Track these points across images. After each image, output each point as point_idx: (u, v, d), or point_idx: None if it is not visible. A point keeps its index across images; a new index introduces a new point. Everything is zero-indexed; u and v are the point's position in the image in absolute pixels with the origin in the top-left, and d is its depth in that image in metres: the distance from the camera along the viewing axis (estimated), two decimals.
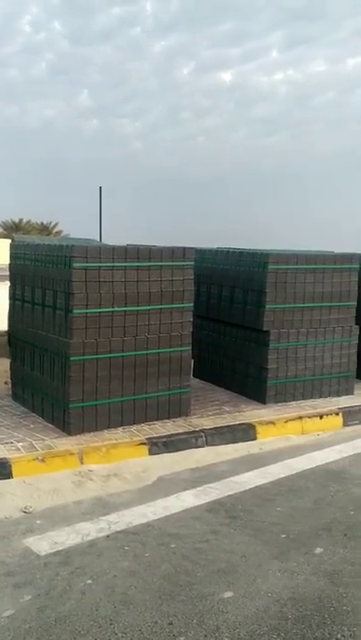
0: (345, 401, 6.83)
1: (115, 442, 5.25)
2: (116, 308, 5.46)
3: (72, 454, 4.97)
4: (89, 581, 3.33)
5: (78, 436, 5.33)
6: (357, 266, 6.95)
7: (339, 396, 6.98)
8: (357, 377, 7.27)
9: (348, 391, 7.08)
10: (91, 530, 3.94)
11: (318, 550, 3.73)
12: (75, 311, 5.28)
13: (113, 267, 5.40)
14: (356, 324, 7.05)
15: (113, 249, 5.48)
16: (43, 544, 3.74)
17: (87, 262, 5.28)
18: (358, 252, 7.40)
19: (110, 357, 5.47)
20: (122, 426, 5.61)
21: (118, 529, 3.96)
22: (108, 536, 3.86)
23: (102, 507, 4.31)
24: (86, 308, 5.32)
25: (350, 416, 6.47)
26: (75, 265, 5.22)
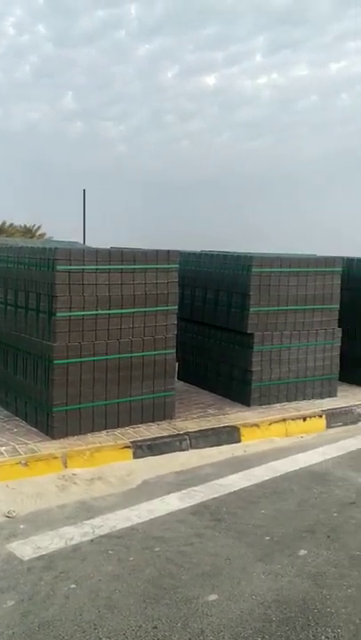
0: (328, 403, 6.87)
1: (99, 445, 5.22)
2: (100, 311, 5.44)
3: (56, 458, 4.94)
4: (73, 586, 3.31)
5: (62, 440, 5.30)
6: (340, 269, 7.00)
7: (322, 398, 7.02)
8: (340, 379, 7.31)
9: (332, 393, 7.12)
10: (75, 534, 3.92)
11: (302, 552, 3.75)
12: (58, 314, 5.25)
13: (97, 269, 5.38)
14: (339, 326, 7.10)
15: (97, 251, 5.46)
16: (26, 549, 3.71)
17: (71, 265, 5.26)
18: (343, 255, 7.48)
19: (94, 360, 5.45)
20: (106, 429, 5.59)
21: (102, 533, 3.94)
22: (92, 540, 3.85)
23: (86, 511, 4.28)
24: (70, 311, 5.30)
25: (333, 418, 6.51)
26: (58, 268, 5.20)
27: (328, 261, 6.93)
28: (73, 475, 4.85)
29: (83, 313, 5.36)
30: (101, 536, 3.90)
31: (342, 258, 7.27)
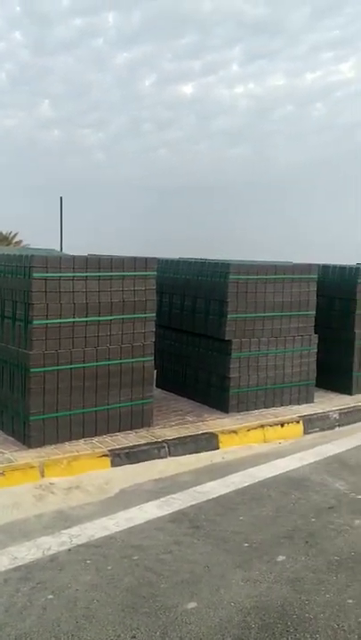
0: (305, 409, 6.91)
1: (76, 454, 5.18)
2: (77, 319, 5.42)
3: (32, 467, 4.89)
4: (50, 596, 3.27)
5: (39, 449, 5.25)
6: (315, 276, 7.07)
7: (299, 404, 7.07)
8: (317, 385, 7.37)
9: (309, 399, 7.17)
10: (52, 544, 3.87)
11: (281, 558, 3.76)
12: (35, 322, 5.21)
13: (74, 277, 5.36)
14: (315, 333, 7.16)
15: (74, 259, 5.44)
16: (2, 559, 3.66)
17: (47, 272, 5.22)
18: (318, 262, 7.55)
19: (71, 368, 5.42)
20: (83, 438, 5.55)
21: (80, 542, 3.91)
22: (69, 550, 3.81)
23: (64, 520, 4.24)
24: (46, 319, 5.26)
25: (311, 424, 6.56)
26: (34, 275, 5.17)
27: (304, 268, 6.99)
28: (50, 484, 4.80)
29: (60, 321, 5.33)
30: (79, 545, 3.87)
31: (318, 265, 7.35)
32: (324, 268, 7.73)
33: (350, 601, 3.29)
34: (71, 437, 5.48)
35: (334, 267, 7.78)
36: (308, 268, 7.03)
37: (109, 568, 3.59)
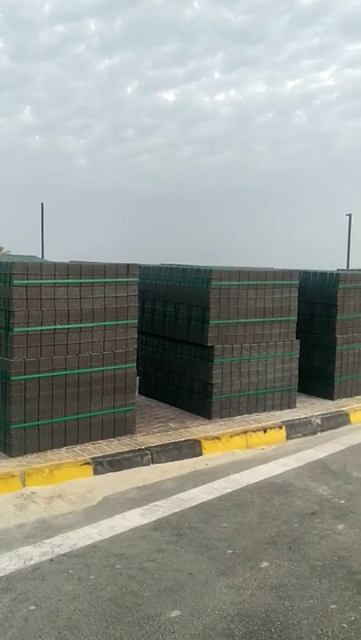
0: (288, 414, 6.93)
1: (58, 462, 5.14)
2: (59, 326, 5.38)
3: (14, 476, 4.83)
4: (32, 607, 3.23)
5: (20, 458, 5.19)
6: (297, 282, 7.11)
7: (282, 409, 7.09)
8: (299, 390, 7.40)
9: (291, 404, 7.20)
10: (34, 554, 3.82)
11: (264, 564, 3.75)
12: (15, 329, 5.16)
13: (55, 283, 5.33)
14: (297, 338, 7.19)
15: (55, 265, 5.41)
16: None
17: (28, 279, 5.18)
18: (300, 267, 7.61)
19: (52, 376, 5.38)
20: (65, 446, 5.50)
21: (62, 552, 3.87)
22: (51, 560, 3.76)
23: (46, 529, 4.19)
24: (27, 326, 5.22)
25: (293, 429, 6.58)
26: (15, 282, 5.12)
27: (285, 274, 7.03)
28: (32, 493, 4.74)
29: (41, 328, 5.29)
30: (61, 555, 3.82)
31: (299, 271, 7.39)
32: (306, 273, 7.78)
33: (334, 606, 3.29)
34: (53, 446, 5.43)
35: (315, 272, 7.83)
36: (289, 273, 7.07)
37: (92, 577, 3.56)
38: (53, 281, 5.32)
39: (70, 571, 3.63)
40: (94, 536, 4.10)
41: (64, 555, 3.83)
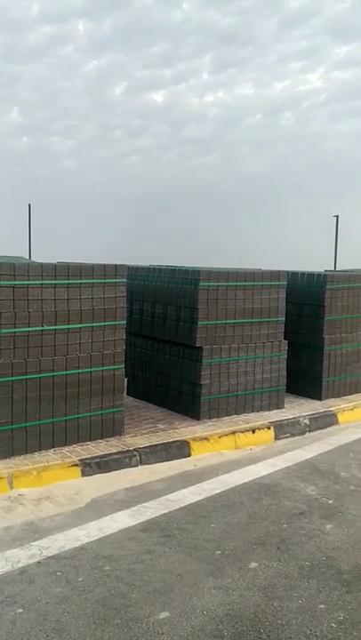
0: (276, 415, 6.95)
1: (46, 464, 5.11)
2: (46, 327, 5.35)
3: (1, 478, 4.79)
4: (19, 610, 3.20)
5: (7, 460, 5.15)
6: (285, 283, 7.13)
7: (270, 409, 7.10)
8: (287, 391, 7.42)
9: (279, 405, 7.21)
10: (21, 556, 3.80)
11: (253, 565, 3.75)
12: (2, 331, 5.13)
13: (42, 284, 5.30)
14: (285, 339, 7.21)
15: (42, 266, 5.38)
16: None
17: (15, 280, 5.15)
18: (288, 269, 7.62)
19: (40, 377, 5.35)
20: (53, 447, 5.47)
21: (50, 554, 3.84)
22: (39, 562, 3.74)
23: (33, 532, 4.17)
24: (14, 327, 5.18)
25: (281, 429, 6.59)
26: (2, 283, 5.09)
27: (273, 275, 7.05)
28: (19, 495, 4.71)
29: (28, 329, 5.25)
30: (49, 557, 3.80)
31: (287, 272, 7.42)
32: (293, 274, 7.80)
33: (322, 606, 3.30)
34: (40, 447, 5.40)
35: (303, 273, 7.86)
36: (277, 274, 7.09)
37: (80, 579, 3.54)
38: (41, 282, 5.29)
39: (58, 573, 3.61)
40: (82, 538, 4.08)
41: (52, 557, 3.80)
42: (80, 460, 5.22)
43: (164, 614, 3.19)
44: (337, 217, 38.53)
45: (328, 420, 7.10)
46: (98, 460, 5.29)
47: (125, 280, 5.88)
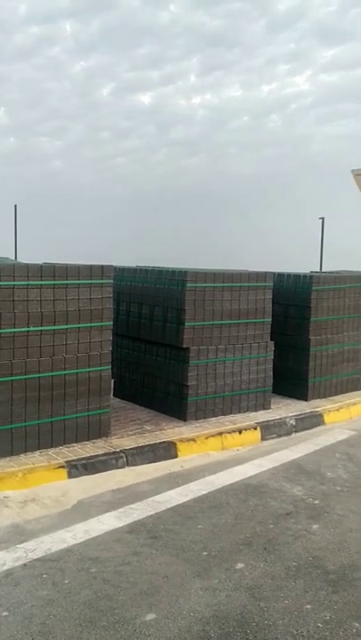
0: (263, 415, 6.96)
1: (32, 466, 5.07)
2: (32, 328, 5.32)
3: None
4: (5, 613, 3.18)
5: None
6: (271, 284, 7.15)
7: (257, 410, 7.11)
8: (274, 391, 7.44)
9: (266, 406, 7.23)
10: (6, 559, 3.77)
11: (240, 565, 3.75)
12: None
13: (28, 285, 5.26)
14: (271, 339, 7.23)
15: (27, 267, 5.34)
16: None
17: (0, 281, 5.11)
18: (274, 270, 7.65)
19: (26, 379, 5.31)
20: (39, 449, 5.44)
21: (36, 556, 3.81)
22: (25, 565, 3.71)
23: (19, 534, 4.14)
24: (0, 328, 5.14)
25: (268, 430, 6.60)
26: None
27: (260, 276, 7.07)
28: (5, 497, 4.67)
29: (14, 330, 5.22)
30: (35, 560, 3.77)
31: (273, 273, 7.44)
32: (280, 276, 7.83)
33: (308, 606, 3.31)
34: (26, 449, 5.37)
35: (289, 275, 7.89)
36: (263, 276, 7.11)
37: (66, 582, 3.52)
38: (26, 282, 5.26)
39: (44, 575, 3.58)
40: (69, 540, 4.06)
41: (38, 559, 3.78)
42: (66, 462, 5.19)
43: (150, 616, 3.18)
44: (323, 219, 38.74)
45: (314, 420, 7.13)
46: (84, 461, 5.27)
47: (112, 281, 5.86)
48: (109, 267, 5.86)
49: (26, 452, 5.35)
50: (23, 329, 5.27)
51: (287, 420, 6.88)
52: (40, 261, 6.52)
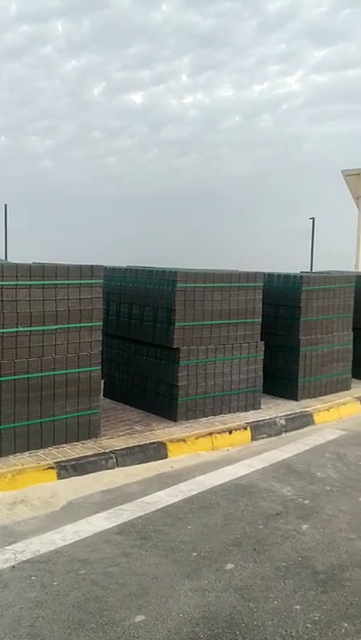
0: (253, 415, 6.97)
1: (21, 467, 5.05)
2: (21, 328, 5.29)
3: None
4: None
5: None
6: (261, 284, 7.16)
7: (247, 410, 7.12)
8: (264, 391, 7.45)
9: (256, 406, 7.24)
10: None
11: (229, 566, 3.75)
12: None
13: (16, 285, 5.23)
14: (262, 340, 7.24)
15: (16, 266, 5.32)
16: None
17: None
18: (263, 270, 7.65)
19: (15, 379, 5.28)
20: (28, 450, 5.41)
21: (25, 558, 3.79)
22: (13, 567, 3.69)
23: (7, 536, 4.11)
24: None
25: (258, 430, 6.61)
26: None
27: (250, 277, 7.07)
28: None
29: (2, 330, 5.19)
30: (24, 561, 3.75)
31: (263, 273, 7.45)
32: (270, 276, 7.84)
33: (298, 607, 3.31)
34: (15, 450, 5.34)
35: (279, 275, 7.90)
36: (253, 276, 7.11)
37: (55, 584, 3.50)
38: (15, 282, 5.23)
39: (33, 577, 3.56)
40: (58, 541, 4.04)
41: (27, 561, 3.76)
42: (56, 463, 5.17)
43: (139, 617, 3.17)
44: (313, 219, 38.81)
45: (304, 420, 7.14)
46: (74, 462, 5.25)
47: (102, 281, 5.84)
48: (99, 267, 5.84)
49: (15, 452, 5.32)
50: (12, 329, 5.24)
51: (277, 419, 6.89)
52: (30, 261, 6.49)
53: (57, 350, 5.54)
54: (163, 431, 6.24)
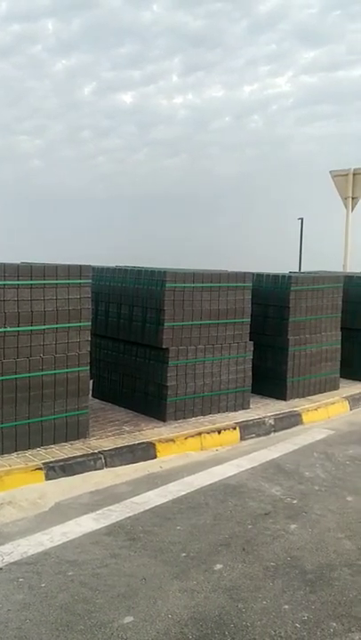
0: (242, 415, 6.97)
1: (8, 468, 5.01)
2: (9, 328, 5.26)
3: None
4: None
5: None
6: (250, 284, 7.16)
7: (236, 410, 7.12)
8: (253, 391, 7.45)
9: (245, 405, 7.24)
10: None
11: (218, 567, 3.74)
12: None
13: (4, 285, 5.20)
14: (250, 340, 7.24)
15: (4, 266, 5.27)
16: None
17: None
18: (252, 270, 7.66)
19: (2, 380, 5.25)
20: (16, 451, 5.37)
21: (12, 560, 3.77)
22: (0, 568, 3.66)
23: None
24: None
25: (247, 430, 6.61)
26: None
27: (239, 277, 7.07)
28: None
29: None
30: (11, 563, 3.73)
31: (252, 273, 7.45)
32: (259, 276, 7.85)
33: (286, 607, 3.31)
34: (3, 451, 5.30)
35: (268, 275, 7.91)
36: (242, 276, 7.11)
37: (43, 585, 3.48)
38: (3, 282, 5.19)
39: (20, 579, 3.54)
40: (46, 543, 4.01)
41: (14, 563, 3.73)
42: (44, 464, 5.14)
43: (128, 619, 3.16)
44: (301, 219, 38.95)
45: (293, 420, 7.16)
46: (62, 463, 5.22)
47: (90, 281, 5.82)
48: (87, 267, 5.82)
49: (2, 453, 5.29)
50: (0, 329, 5.20)
51: (266, 419, 6.90)
52: (18, 261, 6.45)
53: (45, 350, 5.51)
54: (152, 431, 6.23)
